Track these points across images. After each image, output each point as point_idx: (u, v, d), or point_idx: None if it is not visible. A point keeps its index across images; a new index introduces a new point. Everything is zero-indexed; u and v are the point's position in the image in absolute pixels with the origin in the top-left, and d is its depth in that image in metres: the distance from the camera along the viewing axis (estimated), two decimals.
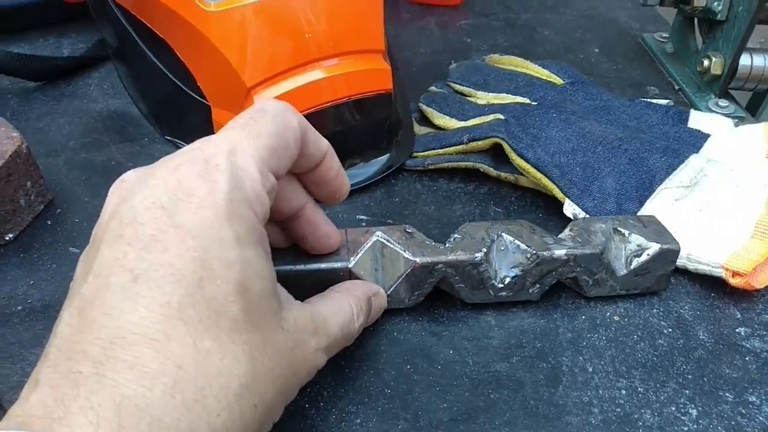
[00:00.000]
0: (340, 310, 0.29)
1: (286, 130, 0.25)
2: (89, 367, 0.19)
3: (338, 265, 0.32)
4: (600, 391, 0.31)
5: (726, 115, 0.50)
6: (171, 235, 0.21)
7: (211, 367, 0.20)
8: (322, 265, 0.31)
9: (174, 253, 0.21)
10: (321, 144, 0.28)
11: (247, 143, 0.24)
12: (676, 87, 0.57)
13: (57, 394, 0.19)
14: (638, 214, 0.38)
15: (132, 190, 0.23)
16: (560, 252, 0.33)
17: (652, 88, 0.57)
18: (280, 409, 0.25)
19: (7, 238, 0.38)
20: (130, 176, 0.25)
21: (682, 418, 0.30)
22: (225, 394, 0.21)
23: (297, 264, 0.31)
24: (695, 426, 0.29)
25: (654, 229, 0.35)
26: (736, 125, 0.46)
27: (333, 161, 0.29)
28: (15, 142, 0.37)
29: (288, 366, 0.24)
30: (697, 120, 0.46)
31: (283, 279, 0.26)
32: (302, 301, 0.28)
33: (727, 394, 0.31)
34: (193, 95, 0.43)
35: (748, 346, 0.33)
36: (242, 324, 0.22)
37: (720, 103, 0.53)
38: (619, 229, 0.35)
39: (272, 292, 0.24)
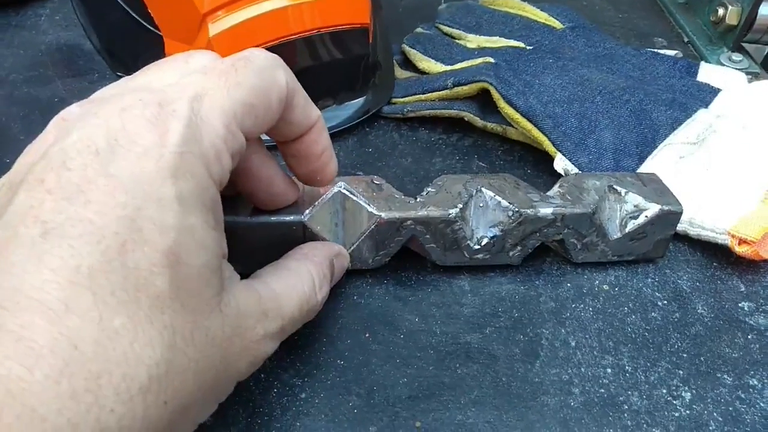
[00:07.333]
0: (298, 283, 0.24)
1: (271, 88, 0.22)
2: None
3: (290, 218, 0.27)
4: (582, 369, 0.27)
5: (739, 71, 0.46)
6: (99, 185, 0.18)
7: (116, 350, 0.17)
8: (272, 219, 0.27)
9: (97, 208, 0.17)
10: (310, 112, 0.24)
11: (221, 93, 0.21)
12: (685, 39, 0.53)
13: None
14: (638, 171, 0.34)
15: (69, 129, 0.19)
16: (546, 210, 0.29)
17: (660, 39, 0.53)
18: (207, 408, 0.21)
19: None
20: (72, 112, 0.21)
21: (674, 402, 0.26)
22: (127, 386, 0.17)
23: (239, 215, 0.27)
24: (688, 411, 0.26)
25: (654, 188, 0.31)
26: (750, 81, 0.42)
27: (321, 136, 0.25)
28: None
29: (220, 359, 0.20)
30: (707, 73, 0.43)
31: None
32: (248, 260, 0.24)
33: (725, 377, 0.27)
34: (145, 24, 0.38)
35: (751, 322, 0.30)
36: (167, 302, 0.18)
37: (733, 57, 0.49)
38: (615, 186, 0.30)
39: (214, 269, 0.20)
